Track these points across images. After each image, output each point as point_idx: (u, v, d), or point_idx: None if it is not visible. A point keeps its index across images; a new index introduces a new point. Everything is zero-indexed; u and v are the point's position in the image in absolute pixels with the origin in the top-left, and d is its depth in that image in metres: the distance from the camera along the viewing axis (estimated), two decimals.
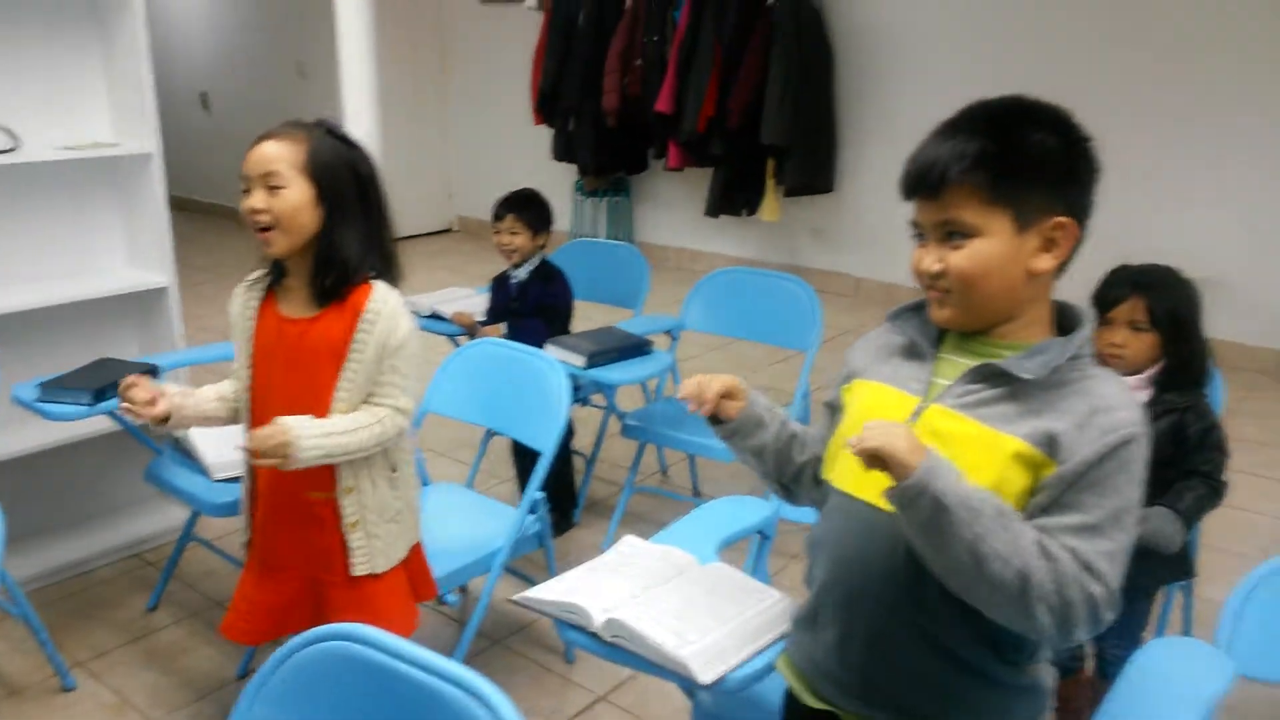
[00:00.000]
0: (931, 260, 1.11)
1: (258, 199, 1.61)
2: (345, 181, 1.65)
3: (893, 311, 1.24)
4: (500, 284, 2.96)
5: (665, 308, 3.37)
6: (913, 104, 5.19)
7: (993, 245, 1.08)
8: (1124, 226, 4.42)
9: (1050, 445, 1.06)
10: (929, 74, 5.12)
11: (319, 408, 1.64)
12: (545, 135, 6.30)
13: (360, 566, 1.72)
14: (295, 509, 1.71)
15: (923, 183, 1.10)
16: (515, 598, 1.44)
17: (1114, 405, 1.07)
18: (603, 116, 5.83)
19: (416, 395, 1.76)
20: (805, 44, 5.24)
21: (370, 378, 1.66)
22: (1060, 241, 1.11)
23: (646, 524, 2.95)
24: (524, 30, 6.29)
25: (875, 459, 1.02)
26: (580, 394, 3.06)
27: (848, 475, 1.18)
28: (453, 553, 2.12)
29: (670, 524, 1.69)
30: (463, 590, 2.64)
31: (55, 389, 2.26)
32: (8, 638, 2.43)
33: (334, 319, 1.65)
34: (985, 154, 1.07)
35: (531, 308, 2.83)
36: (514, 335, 2.80)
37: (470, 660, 2.38)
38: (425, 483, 2.52)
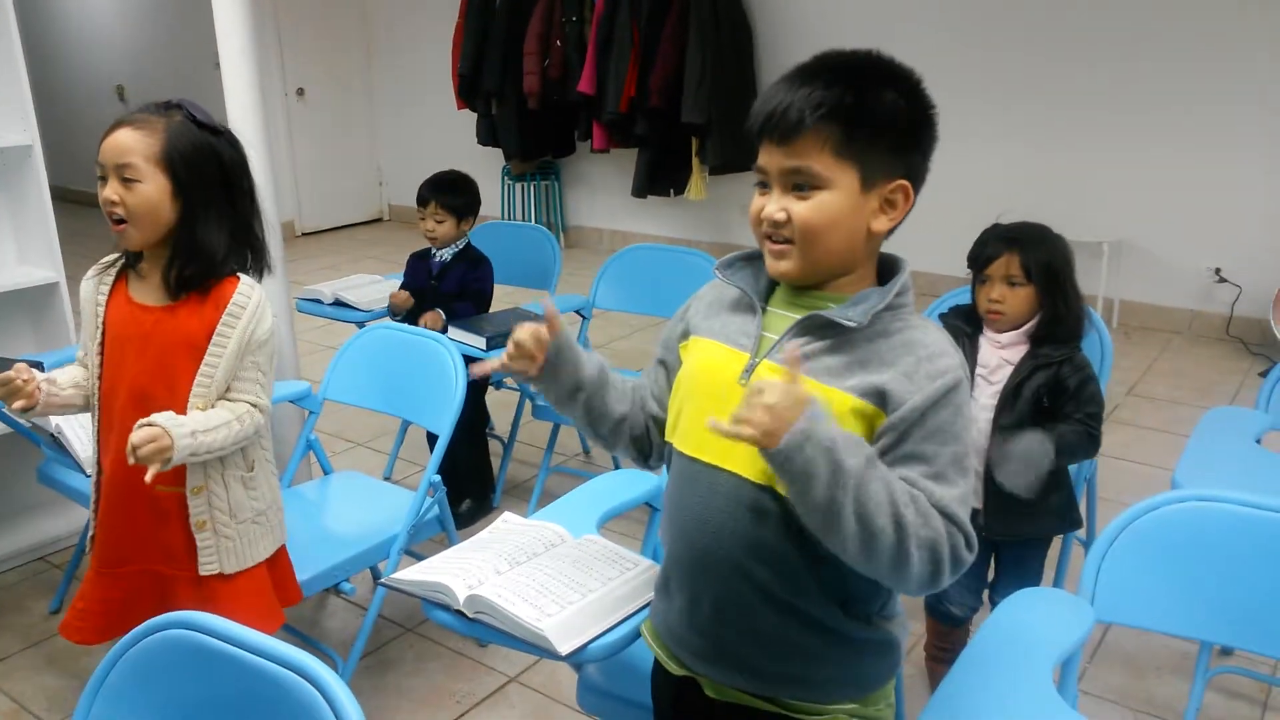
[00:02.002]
0: (775, 208, 1.10)
1: (112, 190, 1.55)
2: (206, 172, 1.59)
3: (723, 261, 1.22)
4: (418, 263, 2.93)
5: (585, 290, 3.36)
6: None
7: (838, 199, 1.08)
8: (1032, 192, 4.51)
9: (880, 398, 1.06)
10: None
11: (172, 400, 1.58)
12: (472, 120, 6.24)
13: (208, 566, 1.66)
14: (140, 502, 1.64)
15: (775, 127, 1.08)
16: (382, 580, 1.42)
17: (937, 352, 1.08)
18: (525, 99, 5.79)
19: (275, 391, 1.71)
20: (723, 22, 5.24)
21: (230, 373, 1.61)
22: (899, 204, 1.11)
23: None
24: (447, 13, 6.21)
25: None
26: (495, 377, 3.04)
27: (689, 438, 1.18)
28: (349, 540, 2.10)
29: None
30: (375, 578, 2.62)
31: None
32: None
33: (193, 311, 1.60)
34: (841, 105, 1.06)
35: (455, 290, 2.80)
36: (443, 312, 2.76)
37: (381, 648, 2.37)
38: (326, 470, 2.49)
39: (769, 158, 1.11)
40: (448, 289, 2.85)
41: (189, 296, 1.61)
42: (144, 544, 1.68)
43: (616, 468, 3.24)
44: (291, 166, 6.94)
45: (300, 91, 6.91)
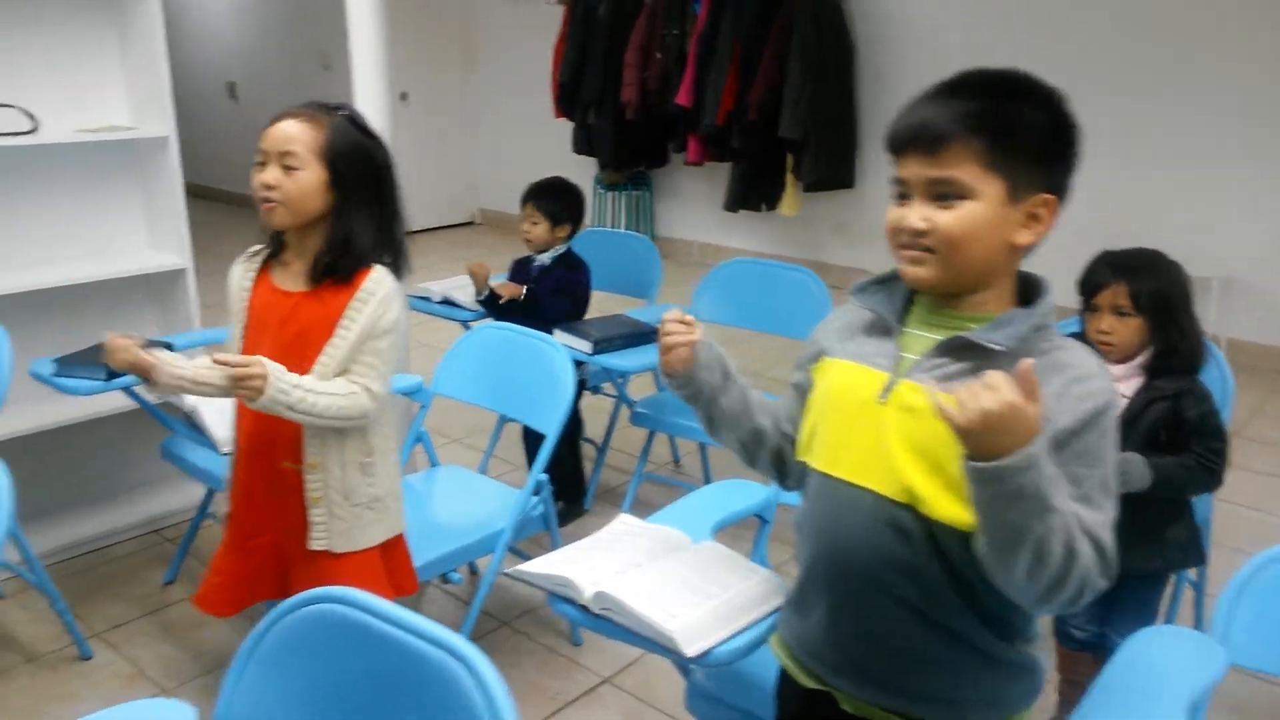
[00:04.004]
0: (917, 218, 1.10)
1: (271, 175, 1.63)
2: (361, 170, 1.68)
3: (858, 285, 1.23)
4: (520, 266, 2.99)
5: (683, 301, 3.38)
6: None
7: (983, 210, 1.08)
8: (1140, 223, 4.40)
9: None
10: (953, 68, 5.09)
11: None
12: (567, 129, 6.33)
13: (317, 542, 1.73)
14: (270, 477, 1.73)
15: (920, 138, 1.09)
16: (508, 571, 1.46)
17: (1086, 374, 1.07)
18: (622, 110, 5.86)
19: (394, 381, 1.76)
20: (825, 37, 5.23)
21: (350, 355, 1.67)
22: (1043, 219, 1.10)
23: (656, 511, 2.97)
24: (547, 23, 6.32)
25: (985, 425, 0.94)
26: (591, 382, 3.08)
27: (825, 456, 1.18)
28: (456, 532, 2.15)
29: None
30: (472, 572, 2.67)
31: (71, 364, 2.31)
32: (28, 608, 2.49)
33: (331, 296, 1.67)
34: (988, 118, 1.07)
35: (547, 292, 2.85)
36: (534, 308, 2.81)
37: (476, 640, 2.39)
38: (434, 463, 2.55)
39: (912, 168, 1.11)
40: (546, 290, 2.90)
41: (329, 283, 1.68)
42: (268, 518, 1.76)
43: (707, 479, 3.25)
44: None
45: (404, 96, 7.09)
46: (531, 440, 2.91)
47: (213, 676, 2.26)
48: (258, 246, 1.77)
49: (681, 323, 1.27)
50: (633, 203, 6.45)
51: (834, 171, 5.36)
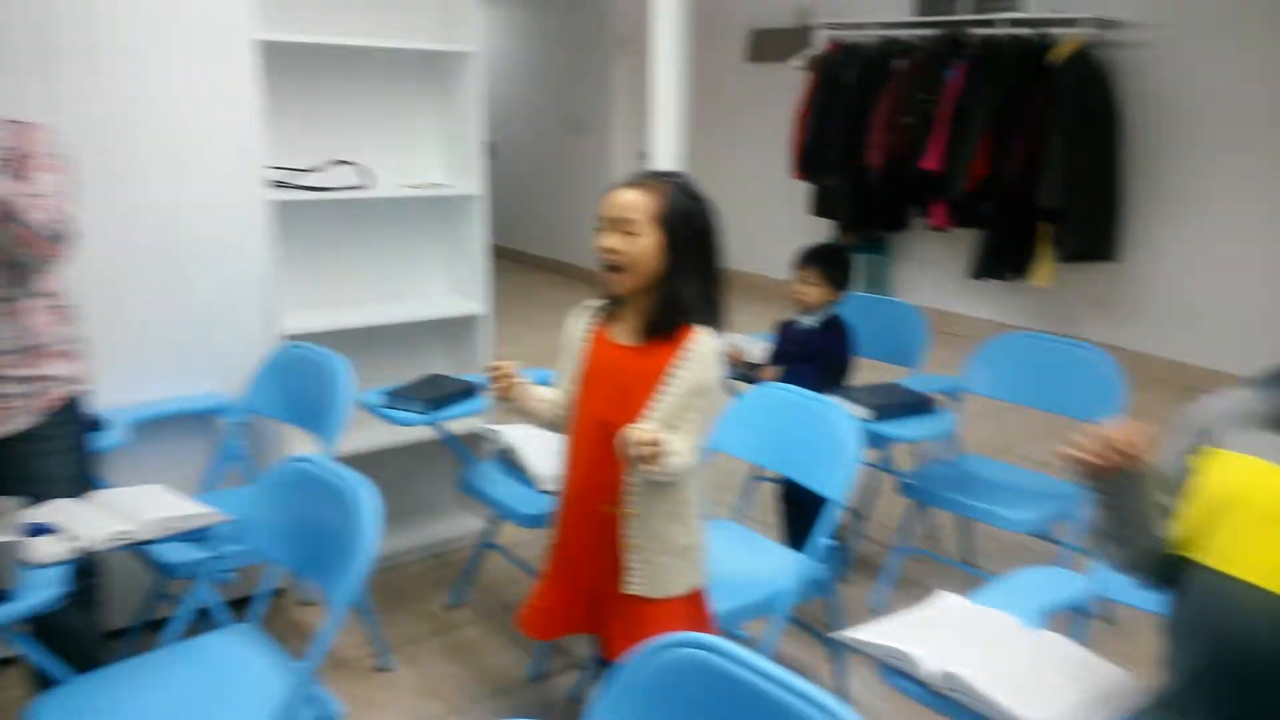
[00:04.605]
0: None
1: (613, 240, 1.76)
2: (692, 235, 1.79)
3: (1261, 377, 1.18)
4: (786, 327, 3.04)
5: (949, 371, 3.32)
6: (1214, 172, 4.86)
7: None
8: None
9: None
10: (1231, 142, 4.78)
11: (621, 428, 1.73)
12: (800, 190, 6.40)
13: (632, 586, 1.81)
14: (591, 519, 1.84)
15: None
16: (839, 634, 1.47)
17: None
18: (864, 173, 5.86)
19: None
20: (1089, 104, 5.04)
21: (673, 411, 1.76)
22: None
23: (917, 588, 2.91)
24: (787, 86, 6.44)
25: None
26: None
27: (1228, 555, 1.14)
28: (739, 588, 2.19)
29: (984, 588, 1.67)
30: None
31: (398, 397, 2.55)
32: None
33: (659, 352, 1.78)
34: None
35: (814, 355, 2.88)
36: (789, 379, 2.85)
37: None
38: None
39: None
40: (809, 354, 2.93)
41: (656, 340, 1.78)
42: (588, 557, 1.87)
43: (969, 556, 3.14)
44: None
45: (642, 155, 7.40)
46: (791, 501, 2.92)
47: (496, 700, 2.40)
48: (596, 301, 1.91)
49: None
50: (870, 265, 6.41)
51: (1094, 243, 5.12)
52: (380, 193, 2.95)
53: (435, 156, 3.20)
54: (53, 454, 1.91)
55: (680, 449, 1.73)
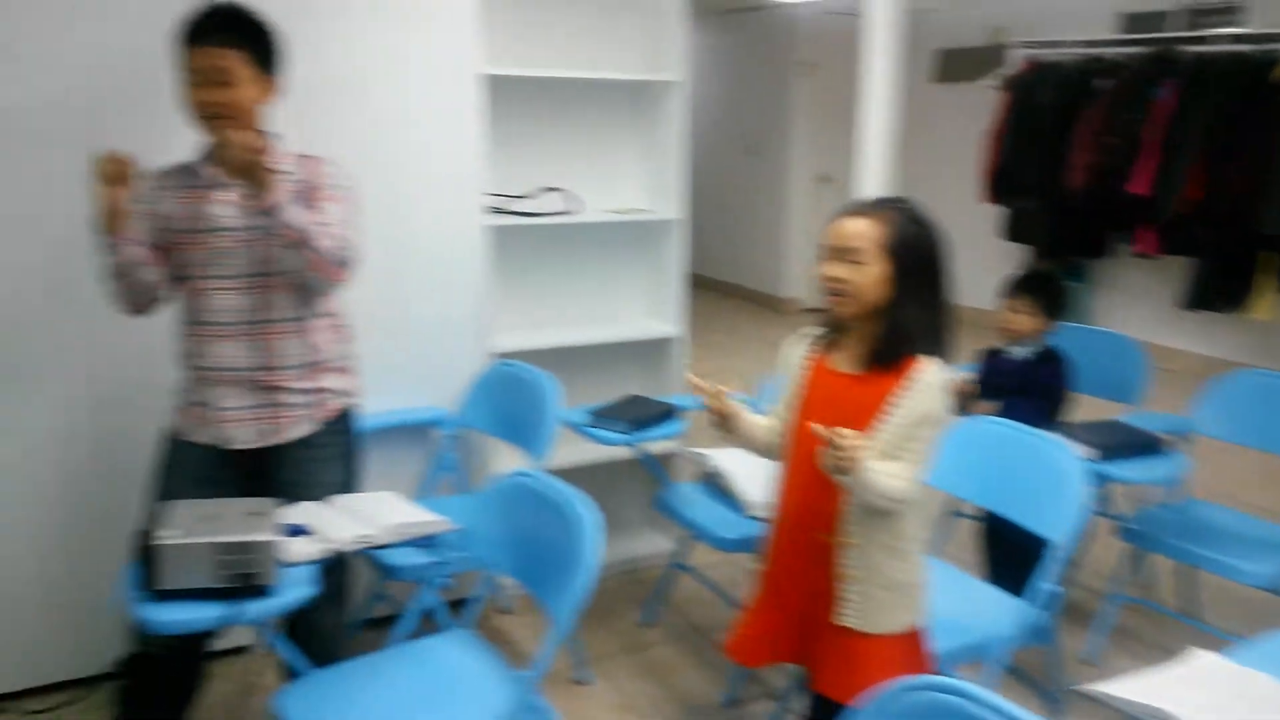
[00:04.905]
0: None
1: (837, 269, 1.74)
2: (920, 262, 1.75)
3: None
4: (992, 358, 2.92)
5: (1174, 409, 3.11)
6: None
7: None
8: None
9: None
10: None
11: None
12: (987, 214, 6.16)
13: (844, 617, 1.77)
14: (805, 547, 1.81)
15: None
16: (1086, 688, 1.40)
17: None
18: (1063, 197, 5.59)
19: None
20: None
21: (894, 441, 1.72)
22: None
23: (1132, 640, 2.73)
24: (974, 108, 6.23)
25: None
26: None
27: None
28: (947, 630, 2.10)
29: (1232, 647, 1.55)
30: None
31: (601, 417, 2.62)
32: (532, 626, 2.83)
33: (880, 381, 1.75)
34: None
35: (1029, 389, 2.76)
36: (1007, 414, 2.73)
37: None
38: None
39: None
40: (1024, 386, 2.79)
41: (879, 369, 1.75)
42: (800, 585, 1.84)
43: (1194, 609, 2.91)
44: (801, 246, 7.38)
45: (826, 179, 7.34)
46: (996, 540, 2.80)
47: None
48: (816, 328, 1.89)
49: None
50: (1068, 295, 6.09)
51: None
52: (585, 218, 3.04)
53: (637, 182, 3.28)
54: (326, 460, 2.07)
55: (900, 476, 1.70)
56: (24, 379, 2.30)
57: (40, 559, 2.38)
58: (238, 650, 2.55)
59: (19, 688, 2.42)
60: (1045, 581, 2.10)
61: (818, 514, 1.79)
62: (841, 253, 1.74)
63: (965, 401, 2.83)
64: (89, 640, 2.41)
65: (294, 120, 2.45)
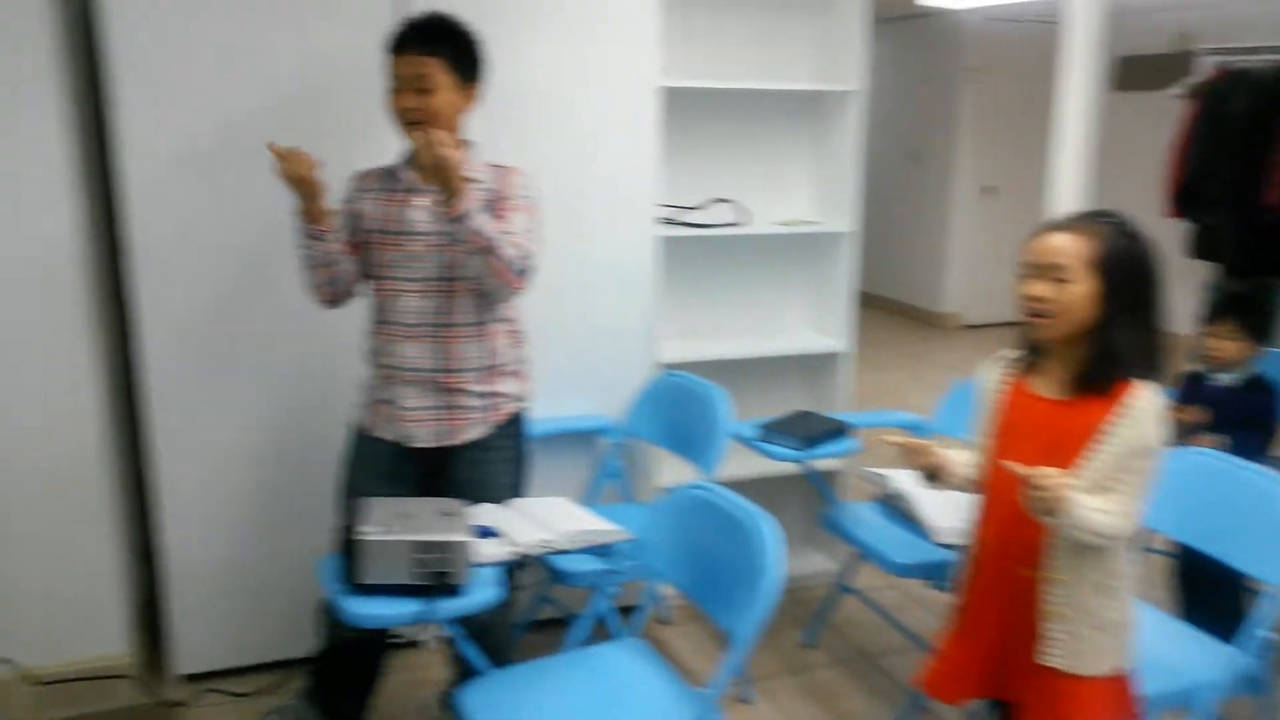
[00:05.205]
0: None
1: (1040, 288, 1.65)
2: (1131, 280, 1.64)
3: None
4: (1192, 384, 2.73)
5: None
6: None
7: None
8: None
9: None
10: None
11: None
12: (1171, 229, 5.76)
13: (1049, 657, 1.67)
14: (1006, 581, 1.73)
15: None
16: None
17: None
18: (1256, 212, 5.17)
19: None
20: None
21: (1106, 471, 1.61)
22: None
23: None
24: (1155, 118, 5.87)
25: None
26: None
27: None
28: (1150, 673, 1.96)
29: None
30: None
31: (771, 431, 2.58)
32: (690, 638, 2.81)
33: (1090, 407, 1.64)
34: None
35: (1237, 418, 2.56)
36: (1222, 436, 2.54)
37: None
38: None
39: None
40: (1231, 416, 2.59)
41: (1089, 394, 1.65)
42: (1000, 621, 1.76)
43: None
44: (962, 260, 7.12)
45: (991, 189, 7.07)
46: (1193, 578, 2.60)
47: None
48: (1013, 351, 1.80)
49: None
50: (1275, 318, 5.64)
51: None
52: (754, 229, 3.01)
53: (806, 193, 3.23)
54: (498, 463, 2.12)
55: (1113, 510, 1.59)
56: (233, 368, 2.43)
57: (242, 542, 2.51)
58: (407, 644, 2.63)
59: (223, 666, 2.55)
60: (1261, 628, 1.94)
61: (1020, 547, 1.70)
62: (1045, 270, 1.65)
63: (1185, 431, 2.65)
64: (288, 624, 2.52)
65: (482, 129, 2.53)
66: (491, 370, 2.08)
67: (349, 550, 1.71)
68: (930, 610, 2.99)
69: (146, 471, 2.44)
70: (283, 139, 1.96)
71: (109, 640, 2.46)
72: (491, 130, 2.41)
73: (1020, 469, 1.55)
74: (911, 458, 1.78)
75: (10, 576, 2.35)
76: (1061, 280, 1.63)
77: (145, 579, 2.66)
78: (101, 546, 2.42)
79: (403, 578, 1.67)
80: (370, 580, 1.68)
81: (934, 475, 1.79)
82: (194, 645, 2.52)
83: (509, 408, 2.13)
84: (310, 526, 2.43)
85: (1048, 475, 1.53)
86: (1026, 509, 1.57)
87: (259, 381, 2.46)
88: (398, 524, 1.71)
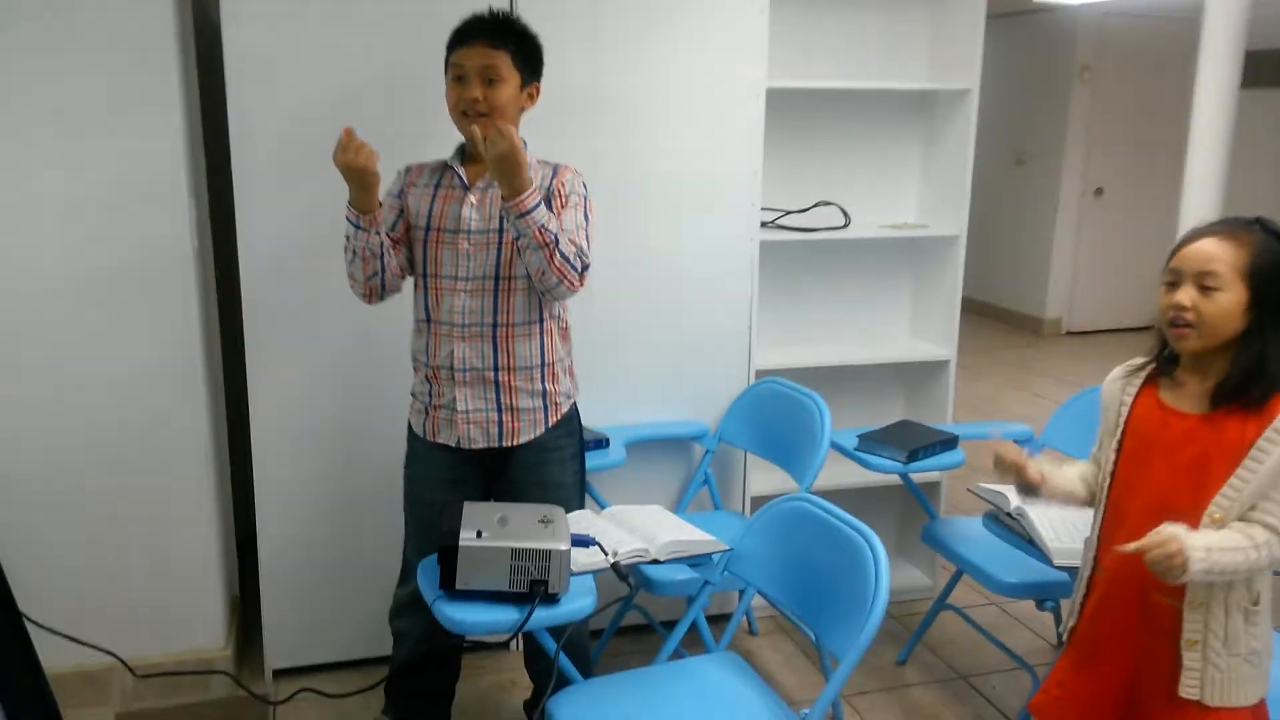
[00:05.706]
0: None
1: (1187, 296, 1.55)
2: None
3: None
4: None
5: None
6: None
7: None
8: None
9: None
10: None
11: (1193, 510, 1.53)
12: None
13: (1188, 690, 1.58)
14: (1134, 607, 1.64)
15: None
16: None
17: None
18: None
19: None
20: None
21: (1260, 491, 1.51)
22: None
23: None
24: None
25: None
26: None
27: None
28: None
29: None
30: None
31: (872, 442, 2.50)
32: (780, 650, 2.76)
33: (1235, 422, 1.54)
34: None
35: None
36: None
37: None
38: None
39: None
40: None
41: (1236, 408, 1.54)
42: (1127, 649, 1.67)
43: None
44: (1066, 264, 6.86)
45: (1099, 191, 6.79)
46: None
47: None
48: (1140, 359, 1.71)
49: None
50: None
51: None
52: (858, 233, 2.93)
53: (912, 196, 3.13)
54: (559, 462, 2.09)
55: (1244, 546, 1.49)
56: (327, 365, 2.46)
57: (333, 541, 2.55)
58: (489, 647, 2.64)
59: (313, 662, 2.59)
60: None
61: (1151, 572, 1.60)
62: (1194, 277, 1.56)
63: None
64: (377, 623, 2.49)
65: (596, 133, 2.50)
66: (547, 368, 2.05)
67: (445, 555, 1.70)
68: (1032, 630, 2.87)
69: (244, 467, 2.49)
70: (365, 135, 1.93)
71: (206, 633, 2.51)
72: (595, 134, 2.39)
73: (1129, 547, 1.49)
74: (1006, 470, 1.70)
75: (117, 569, 2.42)
76: (1210, 289, 1.54)
77: (236, 574, 2.72)
78: (202, 540, 2.46)
79: (500, 584, 1.66)
80: (467, 586, 1.67)
81: (1031, 489, 1.71)
82: (284, 641, 2.56)
83: (564, 405, 2.10)
84: (400, 526, 2.44)
85: (1160, 542, 1.46)
86: (1155, 575, 1.49)
87: (353, 382, 2.47)
88: (495, 530, 1.70)
